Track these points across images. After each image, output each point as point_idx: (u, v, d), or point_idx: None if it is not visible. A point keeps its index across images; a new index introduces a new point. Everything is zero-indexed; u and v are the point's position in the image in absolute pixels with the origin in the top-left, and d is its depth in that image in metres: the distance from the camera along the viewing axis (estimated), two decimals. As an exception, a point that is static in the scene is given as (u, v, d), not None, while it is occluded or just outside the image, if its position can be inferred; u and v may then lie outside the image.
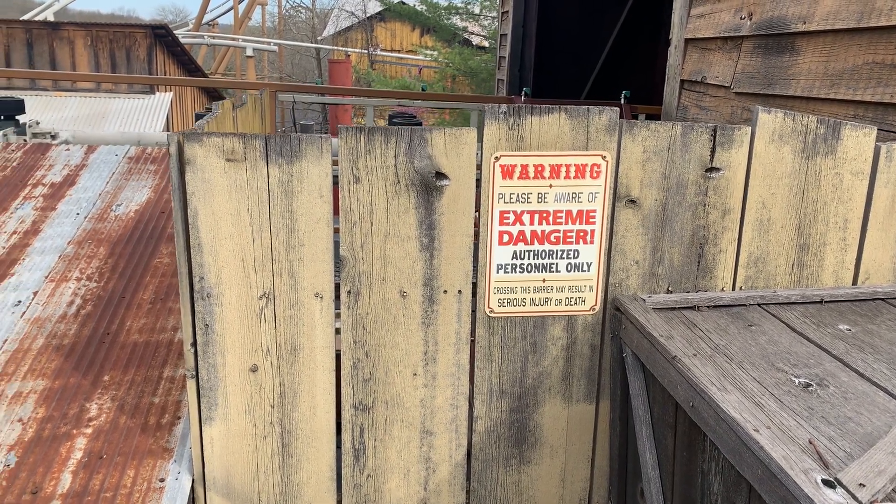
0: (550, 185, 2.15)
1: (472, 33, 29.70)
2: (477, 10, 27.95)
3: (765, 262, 2.32)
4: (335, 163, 2.07)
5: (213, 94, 20.80)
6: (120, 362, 2.76)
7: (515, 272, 2.21)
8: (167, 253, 3.52)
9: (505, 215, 2.16)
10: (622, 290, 2.28)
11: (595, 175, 2.16)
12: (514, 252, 2.19)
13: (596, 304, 2.28)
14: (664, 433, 2.01)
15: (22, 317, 2.98)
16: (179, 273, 2.12)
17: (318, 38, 43.63)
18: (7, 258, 3.38)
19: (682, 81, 4.63)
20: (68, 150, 4.47)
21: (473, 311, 2.24)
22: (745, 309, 2.21)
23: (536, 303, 2.24)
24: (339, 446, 2.31)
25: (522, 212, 2.16)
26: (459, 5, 27.50)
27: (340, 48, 38.59)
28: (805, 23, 3.39)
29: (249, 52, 31.82)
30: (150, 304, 3.12)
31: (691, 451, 1.84)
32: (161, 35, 15.72)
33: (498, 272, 2.20)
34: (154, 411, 2.53)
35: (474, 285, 2.22)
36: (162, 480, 2.26)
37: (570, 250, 2.21)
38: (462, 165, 2.10)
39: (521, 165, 2.12)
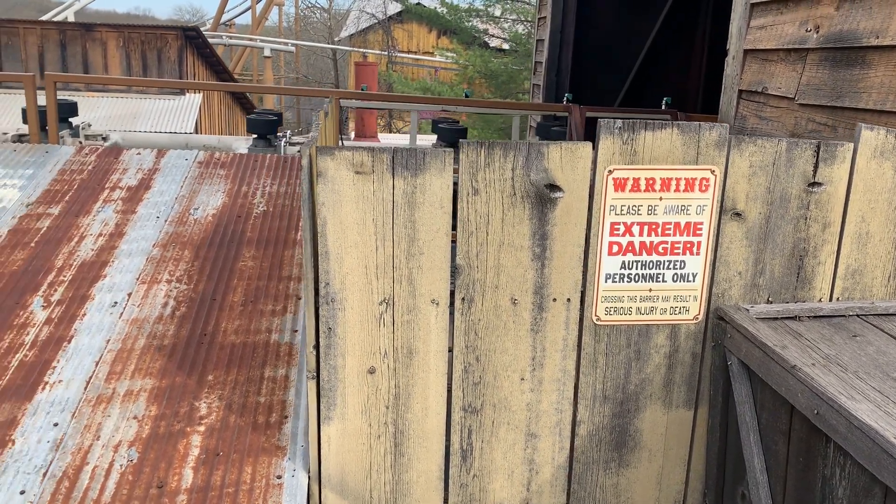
0: (661, 198, 2.23)
1: (493, 35, 29.73)
2: (497, 13, 28.02)
3: (861, 274, 2.39)
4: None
5: (239, 96, 20.99)
6: (221, 363, 2.86)
7: (623, 282, 2.29)
8: (249, 256, 3.62)
9: (615, 227, 2.24)
10: (724, 301, 2.36)
11: (704, 188, 2.24)
12: (623, 262, 2.27)
13: (699, 314, 2.35)
14: (774, 439, 2.09)
15: (120, 318, 3.09)
16: (305, 279, 2.21)
17: (336, 38, 43.82)
18: (98, 260, 3.49)
19: (741, 91, 4.70)
20: (139, 154, 4.59)
21: (580, 319, 2.32)
22: (844, 320, 2.28)
23: (642, 311, 2.32)
24: (446, 447, 2.40)
25: (632, 223, 2.24)
26: (480, 8, 27.56)
27: (358, 49, 38.77)
28: (878, 37, 3.45)
29: (267, 53, 32.05)
30: (242, 307, 3.22)
31: (809, 457, 1.92)
32: (192, 37, 15.91)
33: (606, 281, 2.28)
34: (261, 410, 2.63)
35: (582, 294, 2.31)
36: (279, 477, 2.35)
37: (677, 261, 2.29)
38: (576, 178, 2.19)
39: (634, 179, 2.20)
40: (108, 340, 2.94)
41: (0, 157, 4.36)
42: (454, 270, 2.24)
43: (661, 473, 2.50)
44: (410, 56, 38.78)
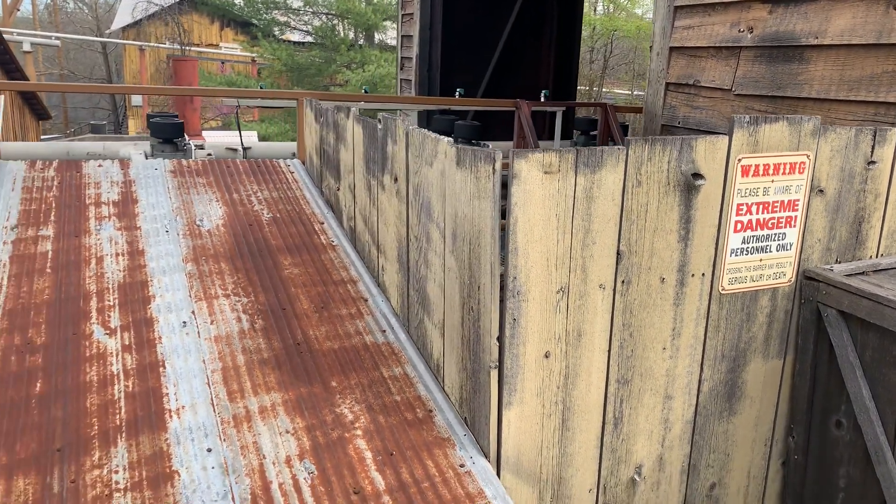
0: (772, 181, 2.62)
1: (294, 28, 29.20)
2: (296, 5, 27.60)
3: (897, 234, 2.95)
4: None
5: (29, 98, 19.08)
6: (335, 369, 2.86)
7: (743, 255, 2.66)
8: (289, 264, 3.57)
9: (740, 207, 2.60)
10: (808, 264, 2.81)
11: (801, 171, 2.66)
12: (744, 238, 2.64)
13: (792, 277, 2.79)
14: (883, 371, 2.56)
15: (200, 336, 2.96)
16: (487, 273, 2.34)
17: (107, 31, 40.78)
18: (134, 280, 3.28)
19: (668, 84, 5.28)
20: (101, 165, 4.26)
21: (710, 290, 2.66)
22: (897, 271, 2.82)
23: (753, 279, 2.71)
24: (602, 417, 2.64)
25: (752, 203, 2.61)
26: (279, 0, 27.05)
27: (133, 42, 36.44)
28: (817, 38, 4.12)
29: (27, 48, 29.17)
30: (317, 314, 3.20)
31: (932, 380, 2.40)
32: (-13, 33, 14.23)
33: (731, 255, 2.64)
34: (404, 408, 2.69)
35: (713, 267, 2.64)
36: (462, 466, 2.47)
37: (780, 233, 2.70)
38: (715, 167, 2.51)
39: (755, 165, 2.57)
40: (204, 361, 2.83)
41: (-54, 177, 3.87)
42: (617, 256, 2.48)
43: (758, 416, 2.92)
44: (194, 49, 37.01)
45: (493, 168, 2.27)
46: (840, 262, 2.87)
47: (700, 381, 2.76)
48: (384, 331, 3.14)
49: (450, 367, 2.73)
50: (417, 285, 2.99)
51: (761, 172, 2.59)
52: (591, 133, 7.24)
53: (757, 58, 4.56)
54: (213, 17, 36.20)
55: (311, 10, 27.97)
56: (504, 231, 2.31)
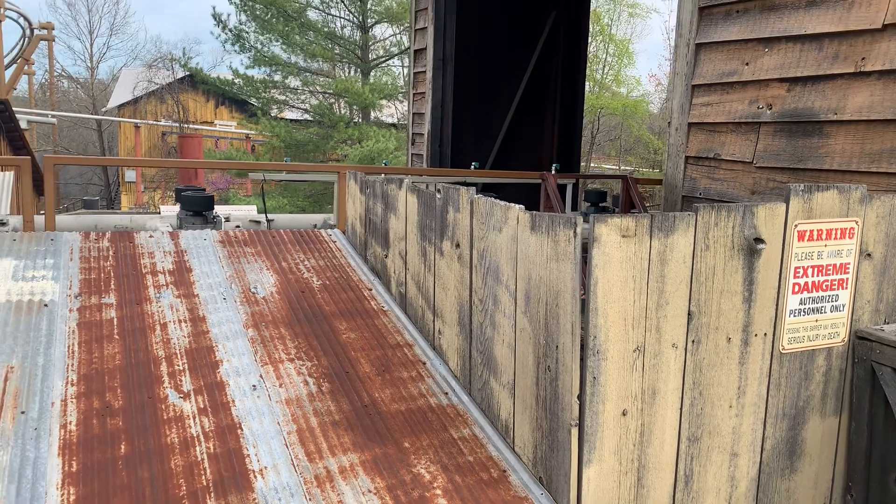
0: (825, 245, 2.78)
1: (293, 107, 29.83)
2: (293, 85, 28.28)
3: (939, 296, 3.10)
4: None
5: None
6: (405, 430, 2.93)
7: (800, 315, 2.79)
8: (345, 328, 3.67)
9: (797, 270, 2.75)
10: (859, 325, 2.94)
11: (851, 236, 2.83)
12: (801, 299, 2.78)
13: (845, 337, 2.91)
14: (942, 427, 2.67)
15: (271, 399, 3.04)
16: (567, 333, 2.45)
17: (103, 109, 41.58)
18: (199, 346, 3.36)
19: (688, 157, 5.52)
20: (152, 236, 4.39)
21: (772, 350, 2.78)
22: (943, 331, 2.95)
23: (810, 339, 2.83)
24: (675, 474, 2.71)
25: (808, 266, 2.76)
26: (277, 80, 27.71)
27: (129, 120, 37.21)
28: (836, 114, 4.36)
29: (24, 125, 29.70)
30: (379, 377, 3.28)
31: None
32: None
33: (790, 316, 2.77)
34: (478, 468, 2.76)
35: (773, 328, 2.77)
36: (543, 524, 2.52)
37: (833, 295, 2.84)
38: (774, 232, 2.67)
39: (810, 230, 2.74)
40: (279, 423, 2.89)
41: (6, 247, 3.97)
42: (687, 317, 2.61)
43: (817, 474, 2.99)
44: (192, 126, 37.72)
45: (574, 232, 2.41)
46: (889, 323, 3.01)
47: (763, 439, 2.85)
48: (446, 393, 3.22)
49: (521, 427, 2.81)
50: (482, 347, 3.09)
51: (815, 237, 2.75)
52: (600, 204, 7.48)
53: (777, 132, 4.80)
54: (209, 96, 37.06)
55: (308, 89, 28.65)
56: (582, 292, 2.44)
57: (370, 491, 2.58)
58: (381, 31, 30.69)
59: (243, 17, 26.03)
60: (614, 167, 34.57)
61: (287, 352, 3.39)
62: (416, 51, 10.41)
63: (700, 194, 5.42)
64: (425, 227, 3.60)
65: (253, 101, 29.52)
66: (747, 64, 4.98)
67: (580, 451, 2.51)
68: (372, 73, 29.64)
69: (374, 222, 4.33)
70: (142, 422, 2.82)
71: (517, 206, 2.78)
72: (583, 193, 8.91)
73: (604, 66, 34.23)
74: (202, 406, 2.94)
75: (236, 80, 27.21)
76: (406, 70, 33.07)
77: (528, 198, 6.52)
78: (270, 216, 6.57)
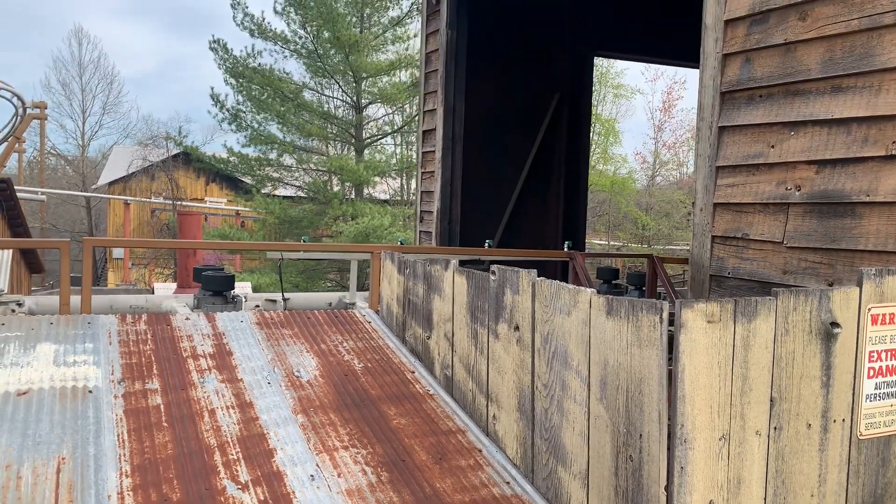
0: (898, 329, 2.77)
1: (287, 184, 30.06)
2: (288, 162, 28.61)
3: None
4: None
5: (26, 251, 19.24)
6: (474, 523, 2.83)
7: (876, 400, 2.76)
8: (395, 414, 3.59)
9: (872, 354, 2.73)
10: (931, 408, 2.91)
11: (921, 319, 2.82)
12: (876, 383, 2.75)
13: (919, 421, 2.88)
14: None
15: (331, 490, 2.93)
16: (653, 421, 2.40)
17: (93, 186, 41.84)
18: (251, 433, 3.26)
19: (714, 237, 5.56)
20: (188, 319, 4.32)
21: (850, 436, 2.73)
22: None
23: (886, 424, 2.79)
24: (755, 569, 2.61)
25: (882, 350, 2.75)
26: (272, 158, 28.03)
27: (118, 197, 37.43)
28: (868, 196, 4.43)
29: None
30: (437, 465, 3.19)
31: None
32: (1, 189, 14.63)
33: (866, 401, 2.74)
34: (556, 563, 2.65)
35: (851, 413, 2.73)
36: None
37: (907, 379, 2.82)
38: (849, 316, 2.67)
39: (882, 314, 2.73)
40: (343, 515, 2.79)
41: (44, 331, 3.90)
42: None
43: (896, 565, 2.90)
44: (184, 203, 37.87)
45: (661, 318, 2.39)
46: (958, 407, 2.98)
47: (844, 529, 2.77)
48: (508, 482, 3.13)
49: (597, 518, 2.72)
50: (547, 434, 3.02)
51: (888, 321, 2.75)
52: (613, 282, 7.49)
53: (807, 213, 4.86)
54: (199, 173, 37.43)
55: (303, 167, 28.99)
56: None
57: (448, 589, 2.47)
58: (375, 110, 31.27)
59: (240, 98, 26.49)
60: (604, 243, 34.92)
61: (340, 439, 3.30)
62: (424, 131, 10.59)
63: (729, 273, 5.45)
64: (476, 309, 3.57)
65: (248, 178, 29.77)
66: (773, 146, 5.08)
67: (669, 545, 2.43)
68: (365, 151, 30.06)
69: (415, 303, 4.30)
70: (202, 516, 2.71)
71: (588, 289, 2.76)
72: (595, 271, 8.95)
73: (592, 145, 35.00)
74: (262, 498, 2.84)
75: (231, 158, 27.49)
76: (398, 148, 33.64)
77: (540, 275, 6.54)
78: (286, 295, 6.53)
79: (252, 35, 26.03)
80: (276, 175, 28.80)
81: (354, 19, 27.12)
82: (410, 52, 26.68)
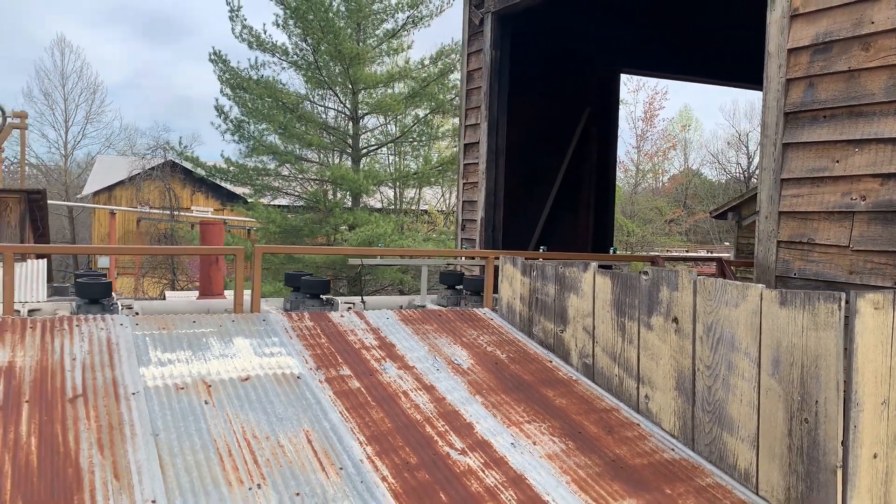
0: None
1: (287, 193, 30.36)
2: (285, 172, 28.97)
3: None
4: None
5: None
6: (657, 479, 3.39)
7: None
8: (554, 395, 4.14)
9: None
10: None
11: None
12: None
13: None
14: None
15: (533, 455, 3.47)
16: (831, 389, 2.98)
17: (77, 196, 41.84)
18: (445, 410, 3.79)
19: (780, 242, 6.19)
20: (343, 316, 4.83)
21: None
22: None
23: None
24: (902, 511, 3.20)
25: None
26: (270, 167, 28.39)
27: (103, 206, 37.50)
28: (932, 205, 5.08)
29: None
30: (609, 436, 3.75)
31: None
32: (34, 200, 14.92)
33: (984, 374, 3.34)
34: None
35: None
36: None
37: None
38: (973, 305, 3.27)
39: None
40: (553, 474, 3.33)
41: (230, 327, 4.39)
42: (908, 375, 3.16)
43: None
44: (160, 211, 37.70)
45: (840, 305, 2.98)
46: None
47: (967, 480, 3.37)
48: (672, 449, 3.69)
49: (768, 474, 3.29)
50: (710, 407, 3.59)
51: None
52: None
53: (872, 220, 5.50)
54: (185, 182, 37.57)
55: (302, 176, 29.35)
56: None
57: (665, 529, 3.02)
58: (368, 121, 31.73)
59: (239, 109, 26.82)
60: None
61: (520, 415, 3.84)
62: (466, 144, 11.15)
63: (795, 275, 6.07)
64: (623, 304, 4.14)
65: (247, 188, 30.01)
66: (837, 161, 5.72)
67: (844, 490, 3.00)
68: (362, 161, 30.49)
69: (544, 301, 4.85)
70: (443, 475, 3.23)
71: (759, 285, 3.34)
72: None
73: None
74: (483, 461, 3.37)
75: (231, 168, 27.80)
76: (393, 158, 34.08)
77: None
78: (365, 298, 7.05)
79: (251, 47, 26.37)
80: (275, 185, 29.16)
81: (351, 31, 27.60)
82: (409, 65, 27.29)
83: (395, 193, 34.99)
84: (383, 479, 3.15)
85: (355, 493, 3.03)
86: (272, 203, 29.01)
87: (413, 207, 34.14)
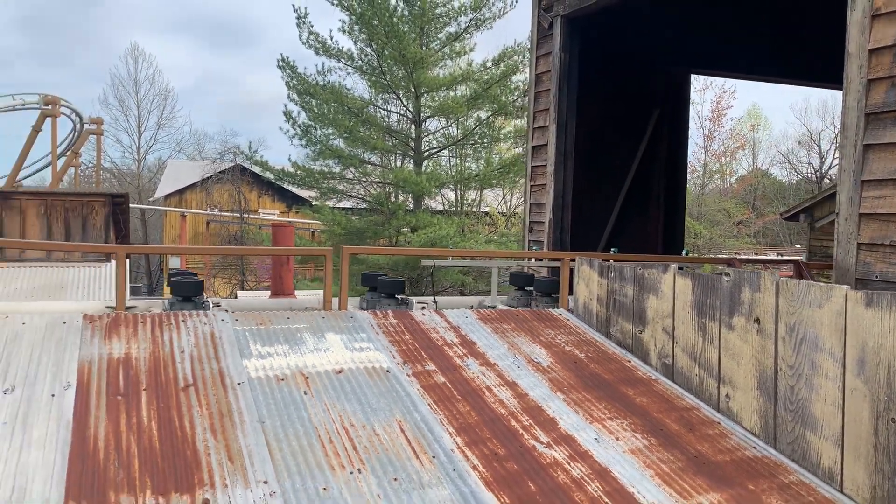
0: None
1: (351, 196, 30.83)
2: (349, 175, 29.45)
3: None
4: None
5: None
6: (740, 475, 3.46)
7: None
8: (633, 394, 4.23)
9: None
10: None
11: None
12: None
13: None
14: None
15: (616, 450, 3.58)
16: (930, 389, 3.01)
17: (150, 199, 43.34)
18: (528, 405, 3.93)
19: (860, 244, 6.12)
20: (424, 313, 5.02)
21: None
22: None
23: None
24: None
25: None
26: (335, 171, 28.91)
27: (175, 209, 38.71)
28: None
29: None
30: (690, 434, 3.83)
31: None
32: (118, 203, 15.60)
33: None
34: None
35: None
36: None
37: None
38: None
39: None
40: (636, 468, 3.43)
41: (321, 323, 4.62)
42: None
43: None
44: (230, 214, 38.74)
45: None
46: None
47: None
48: (754, 447, 3.75)
49: (853, 472, 3.33)
50: (792, 406, 3.64)
51: None
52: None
53: (956, 223, 5.41)
54: (252, 185, 38.51)
55: (366, 179, 29.81)
56: (936, 355, 3.01)
57: (750, 523, 3.10)
58: (430, 124, 32.03)
59: (306, 114, 27.41)
60: (656, 253, 35.10)
61: (601, 412, 3.96)
62: (534, 146, 11.25)
63: (876, 277, 6.00)
64: (703, 305, 4.21)
65: (313, 191, 30.63)
66: (920, 163, 5.64)
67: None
68: (424, 163, 30.80)
69: (622, 302, 4.95)
70: (529, 465, 3.38)
71: (843, 286, 3.38)
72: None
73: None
74: (568, 454, 3.50)
75: (298, 172, 28.46)
76: (457, 160, 34.29)
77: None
78: (437, 299, 7.22)
79: (317, 53, 26.98)
80: (339, 188, 29.73)
81: (415, 35, 27.92)
82: (472, 67, 27.52)
83: (455, 196, 35.23)
84: (474, 467, 3.31)
85: (448, 480, 3.20)
86: (337, 206, 29.61)
87: (474, 209, 34.30)
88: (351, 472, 3.15)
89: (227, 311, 5.48)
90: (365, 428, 3.53)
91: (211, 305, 5.58)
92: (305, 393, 3.74)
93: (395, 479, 3.15)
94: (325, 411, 3.61)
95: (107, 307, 4.75)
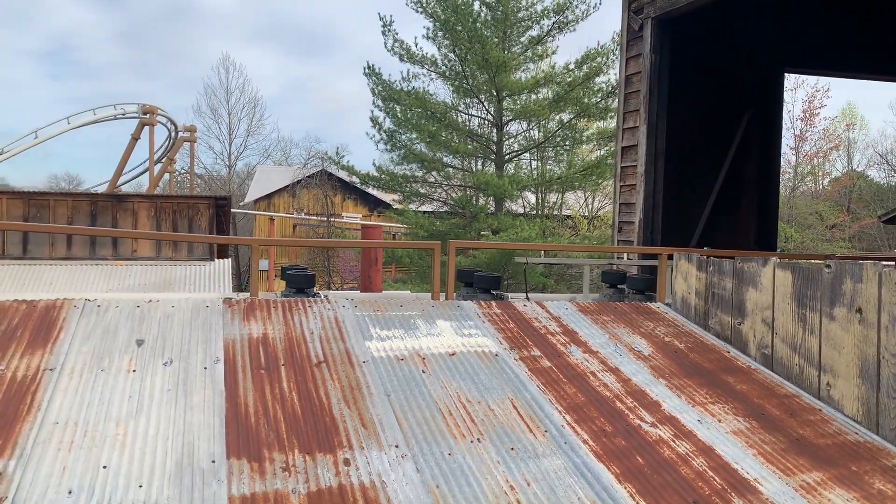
0: None
1: (434, 199, 31.30)
2: (431, 179, 29.89)
3: None
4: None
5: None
6: (844, 457, 3.59)
7: None
8: (734, 381, 4.39)
9: None
10: None
11: None
12: None
13: None
14: None
15: (719, 431, 3.76)
16: None
17: (241, 203, 44.97)
18: (631, 389, 4.15)
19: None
20: (525, 305, 5.29)
21: None
22: None
23: None
24: None
25: None
26: (418, 174, 29.39)
27: (262, 213, 39.99)
28: None
29: None
30: (792, 419, 3.96)
31: None
32: (221, 205, 16.45)
33: None
34: None
35: None
36: None
37: None
38: None
39: None
40: (740, 447, 3.61)
41: (430, 312, 4.95)
42: None
43: None
44: (316, 218, 39.76)
45: None
46: None
47: None
48: (856, 433, 3.86)
49: (958, 456, 3.41)
50: (895, 394, 3.73)
51: None
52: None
53: None
54: (336, 190, 39.52)
55: (447, 182, 30.19)
56: None
57: (853, 499, 3.23)
58: (510, 127, 32.26)
59: (390, 119, 28.05)
60: (744, 257, 34.23)
61: (703, 397, 4.14)
62: (623, 147, 11.36)
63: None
64: (803, 297, 4.33)
65: (396, 195, 31.29)
66: None
67: None
68: (505, 167, 31.01)
69: (721, 295, 5.09)
70: (636, 442, 3.60)
71: (948, 275, 3.48)
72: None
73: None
74: (672, 433, 3.70)
75: (382, 176, 29.12)
76: (538, 163, 34.35)
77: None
78: (529, 296, 7.45)
79: (402, 60, 27.61)
80: (422, 191, 30.27)
81: (497, 40, 28.20)
82: (554, 70, 27.63)
83: (537, 198, 35.32)
84: (584, 441, 3.56)
85: (561, 452, 3.46)
86: (419, 209, 30.16)
87: (555, 212, 34.30)
88: (471, 441, 3.45)
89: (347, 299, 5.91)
90: (480, 403, 3.82)
91: (322, 297, 6.01)
92: (423, 371, 4.07)
93: (512, 449, 3.43)
94: (443, 388, 3.92)
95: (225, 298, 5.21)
